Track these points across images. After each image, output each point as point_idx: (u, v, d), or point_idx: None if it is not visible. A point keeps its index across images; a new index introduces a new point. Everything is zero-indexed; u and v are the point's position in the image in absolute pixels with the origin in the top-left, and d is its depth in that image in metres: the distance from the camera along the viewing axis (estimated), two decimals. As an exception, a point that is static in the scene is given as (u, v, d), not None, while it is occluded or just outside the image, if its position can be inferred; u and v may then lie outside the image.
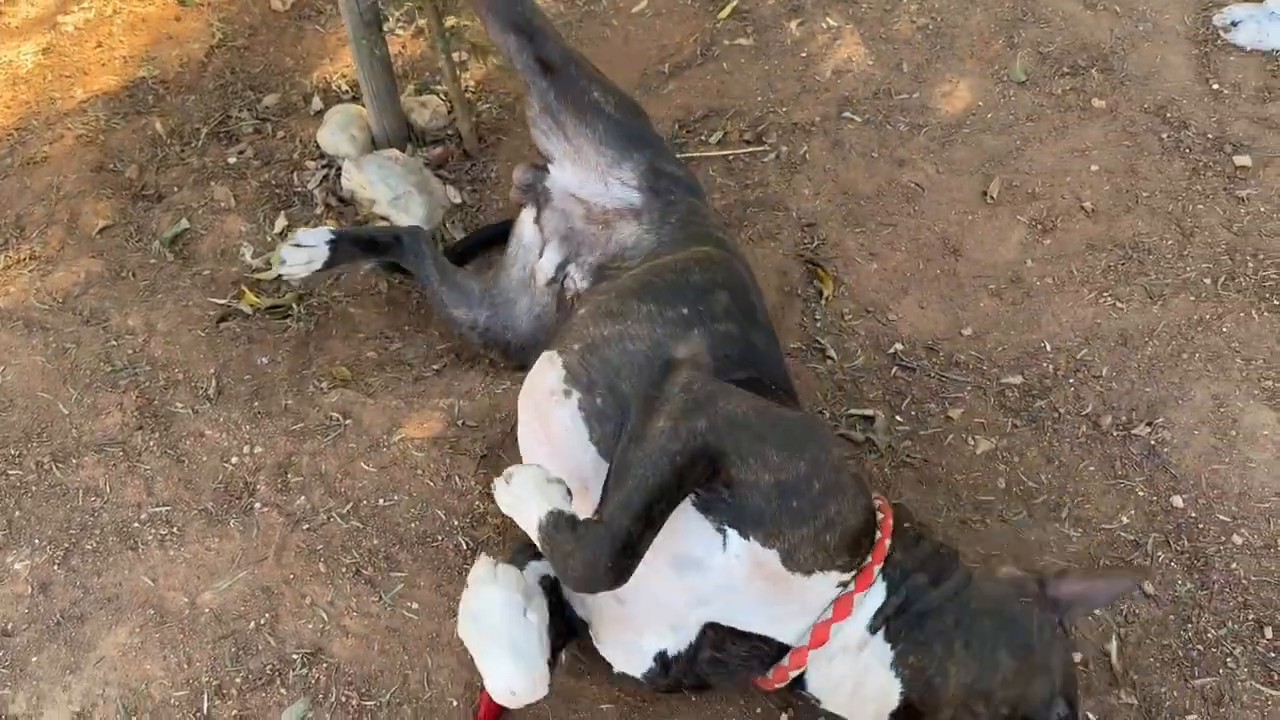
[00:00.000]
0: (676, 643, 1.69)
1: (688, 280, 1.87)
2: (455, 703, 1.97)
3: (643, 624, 1.71)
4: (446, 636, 2.07)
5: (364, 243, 2.47)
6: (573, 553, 1.52)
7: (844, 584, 1.62)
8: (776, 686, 1.71)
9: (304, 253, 2.43)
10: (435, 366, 2.55)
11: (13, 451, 2.35)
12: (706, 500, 1.60)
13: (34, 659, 2.07)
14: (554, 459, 1.80)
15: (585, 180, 2.22)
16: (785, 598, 1.61)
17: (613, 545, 1.50)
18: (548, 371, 1.87)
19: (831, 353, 2.37)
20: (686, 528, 1.60)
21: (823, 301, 2.51)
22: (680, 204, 2.15)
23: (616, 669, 1.79)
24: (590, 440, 1.77)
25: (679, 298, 1.84)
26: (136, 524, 2.25)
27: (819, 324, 2.45)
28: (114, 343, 2.56)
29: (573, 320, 1.95)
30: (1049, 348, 2.44)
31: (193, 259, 2.71)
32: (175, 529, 2.23)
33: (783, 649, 1.66)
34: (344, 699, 2.01)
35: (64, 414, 2.41)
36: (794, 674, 1.66)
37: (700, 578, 1.62)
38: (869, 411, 2.27)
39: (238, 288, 2.66)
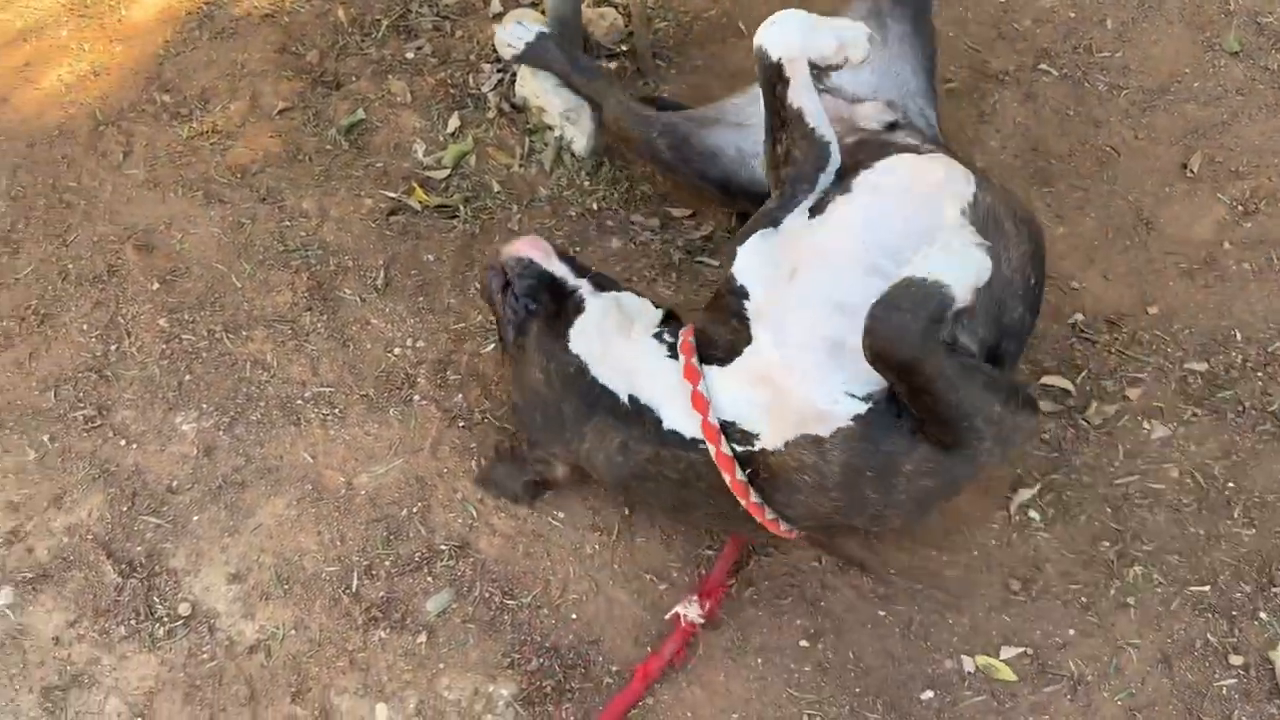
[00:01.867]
0: None
1: (1041, 247, 1.98)
2: (576, 616, 2.02)
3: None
4: (589, 548, 2.11)
5: (566, 56, 2.64)
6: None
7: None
8: None
9: (517, 32, 2.66)
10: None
11: (187, 317, 2.45)
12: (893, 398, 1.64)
13: (195, 518, 2.18)
14: (886, 239, 1.76)
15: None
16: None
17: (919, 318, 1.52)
18: (961, 182, 1.84)
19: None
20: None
21: (1002, 261, 2.43)
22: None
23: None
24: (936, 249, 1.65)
25: (1037, 261, 1.94)
26: (300, 401, 2.33)
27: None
28: (288, 223, 2.63)
29: (980, 180, 1.90)
30: (1239, 337, 2.34)
31: (366, 150, 2.76)
32: (337, 410, 2.30)
33: None
34: (487, 595, 2.07)
35: (237, 287, 2.49)
36: None
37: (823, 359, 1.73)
38: (1065, 384, 2.21)
39: (408, 183, 2.70)
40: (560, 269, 2.00)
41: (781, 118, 1.87)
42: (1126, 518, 2.11)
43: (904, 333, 1.48)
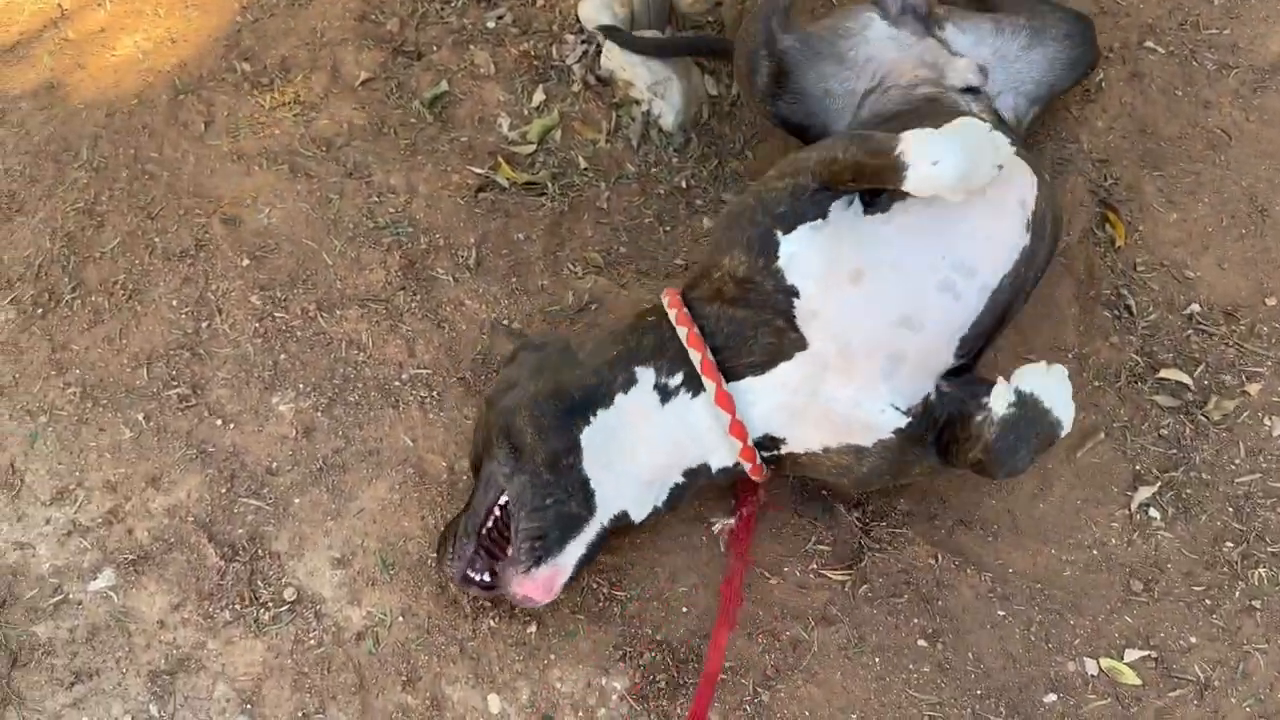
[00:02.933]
0: None
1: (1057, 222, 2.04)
2: (686, 610, 2.00)
3: None
4: (696, 540, 2.09)
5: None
6: None
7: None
8: None
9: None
10: (679, 262, 2.52)
11: (279, 295, 2.43)
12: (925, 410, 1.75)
13: (297, 500, 2.17)
14: (958, 250, 1.75)
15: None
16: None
17: None
18: (1027, 186, 1.85)
19: (1131, 302, 2.25)
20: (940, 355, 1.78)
21: (1115, 249, 2.38)
22: None
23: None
24: (1001, 271, 1.80)
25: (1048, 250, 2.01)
26: (398, 383, 2.31)
27: (1113, 272, 2.33)
28: (376, 199, 2.60)
29: (1039, 180, 1.92)
30: (1361, 329, 2.28)
31: (451, 123, 2.72)
32: (435, 393, 2.29)
33: None
34: (595, 585, 2.05)
35: (328, 264, 2.47)
36: None
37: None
38: (1183, 378, 2.16)
39: (495, 159, 2.66)
40: (573, 560, 1.88)
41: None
42: (1249, 517, 2.08)
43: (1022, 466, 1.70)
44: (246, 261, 2.50)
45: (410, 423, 2.26)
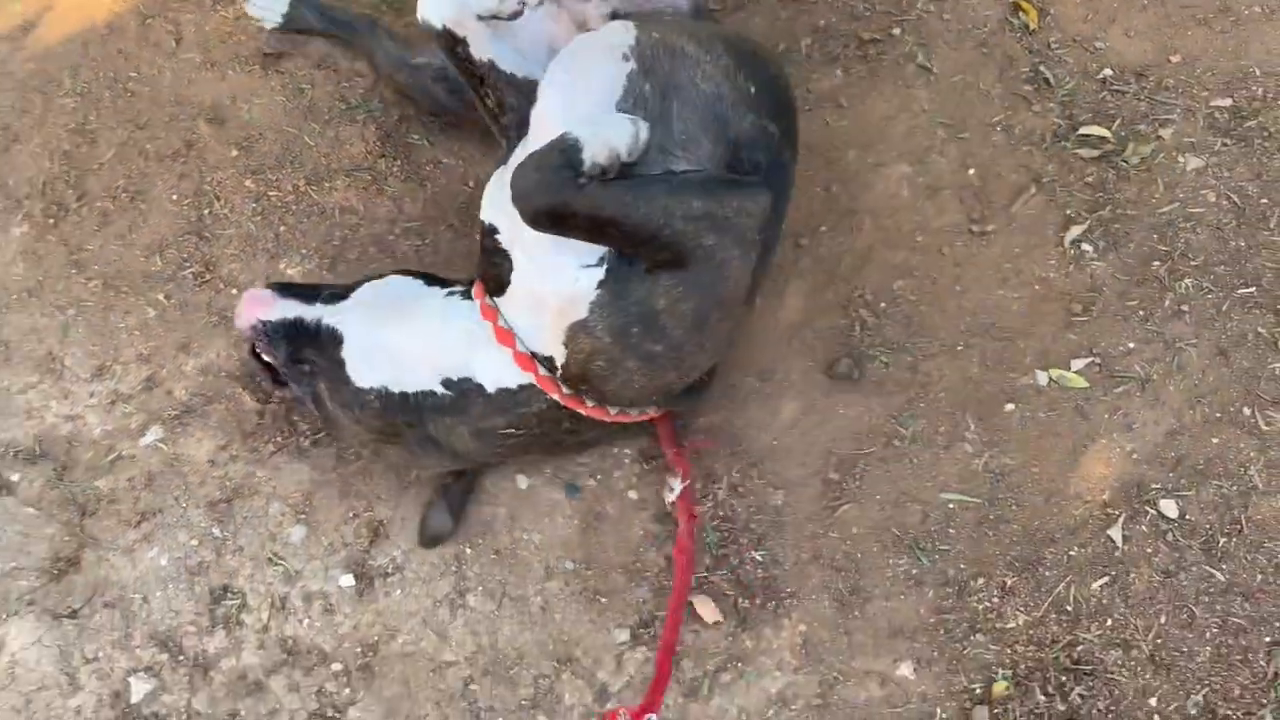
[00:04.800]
0: (504, 236, 1.93)
1: (754, 55, 1.92)
2: None
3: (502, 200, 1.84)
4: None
5: (324, 18, 2.64)
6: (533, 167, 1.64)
7: (543, 360, 1.89)
8: None
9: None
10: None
11: (270, 176, 2.65)
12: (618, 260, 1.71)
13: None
14: (570, 103, 1.78)
15: None
16: (535, 314, 1.86)
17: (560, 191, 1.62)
18: (619, 33, 1.83)
19: (1049, 75, 2.50)
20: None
21: (1029, 33, 2.62)
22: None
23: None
24: (613, 106, 1.76)
25: (747, 69, 1.84)
26: (391, 236, 2.54)
27: (1030, 53, 2.57)
28: (345, 84, 2.81)
29: (651, 18, 1.94)
30: (1259, 73, 2.54)
31: (406, 9, 2.90)
32: (427, 240, 2.52)
33: None
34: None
35: (310, 145, 2.69)
36: None
37: (549, 248, 1.76)
38: (1103, 131, 2.41)
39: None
40: (289, 309, 1.92)
41: (477, 75, 1.91)
42: (1173, 239, 2.33)
43: (537, 185, 1.60)
44: (235, 152, 2.71)
45: (407, 266, 2.48)
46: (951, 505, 2.05)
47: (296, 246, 2.55)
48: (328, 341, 1.92)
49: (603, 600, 2.03)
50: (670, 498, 2.04)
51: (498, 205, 1.85)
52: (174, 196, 2.65)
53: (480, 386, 1.86)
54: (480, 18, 1.82)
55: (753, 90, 1.83)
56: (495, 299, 1.86)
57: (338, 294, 1.97)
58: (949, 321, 2.25)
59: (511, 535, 2.10)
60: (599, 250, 1.70)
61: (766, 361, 2.24)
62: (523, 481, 2.16)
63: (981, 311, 2.26)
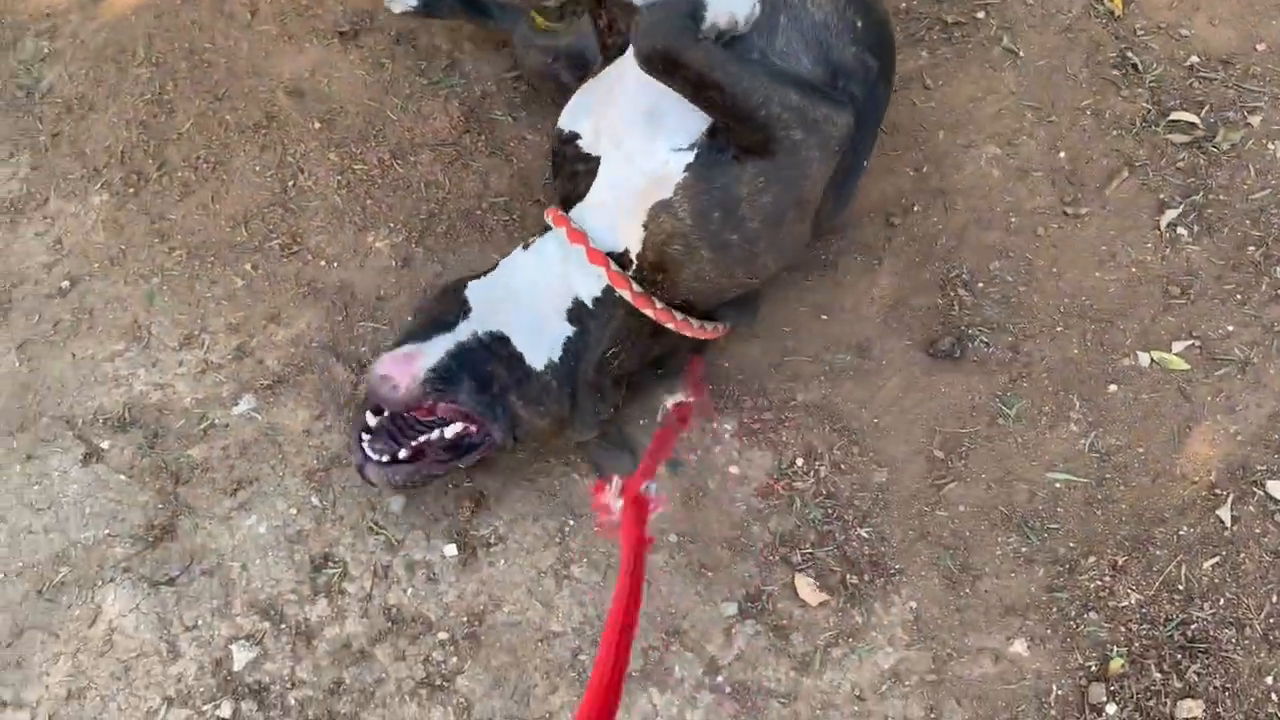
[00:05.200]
0: (586, 141, 2.00)
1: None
2: (777, 366, 2.24)
3: (590, 108, 1.97)
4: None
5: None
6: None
7: (618, 258, 1.94)
8: None
9: None
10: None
11: (354, 149, 2.64)
12: (713, 136, 1.78)
13: (409, 318, 2.38)
14: None
15: None
16: (623, 204, 1.90)
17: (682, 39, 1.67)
18: None
19: (1136, 61, 2.50)
20: (694, 111, 1.79)
21: (1115, 19, 2.63)
22: None
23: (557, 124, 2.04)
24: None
25: (857, 5, 1.92)
26: (479, 211, 2.53)
27: (1116, 39, 2.57)
28: (424, 60, 2.81)
29: None
30: (1346, 61, 2.53)
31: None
32: (515, 216, 2.52)
33: None
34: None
35: (393, 119, 2.68)
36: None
37: (640, 130, 1.85)
38: (1191, 118, 2.42)
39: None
40: (441, 345, 1.91)
41: None
42: (1266, 225, 2.34)
43: (659, 25, 1.65)
44: (317, 125, 2.70)
45: (498, 242, 2.48)
46: (1058, 484, 2.06)
47: (384, 220, 2.54)
48: (497, 345, 1.91)
49: (709, 574, 2.02)
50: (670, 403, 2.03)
51: (584, 111, 1.95)
52: (256, 168, 2.64)
53: (583, 303, 1.92)
54: None
55: (859, 25, 1.91)
56: (571, 212, 1.93)
57: (453, 312, 1.97)
58: (1047, 302, 2.25)
59: (612, 510, 2.09)
60: (690, 134, 1.78)
61: (862, 338, 2.24)
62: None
63: (1079, 293, 2.26)
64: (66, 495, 2.22)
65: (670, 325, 1.91)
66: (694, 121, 1.79)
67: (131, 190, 2.64)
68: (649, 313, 1.89)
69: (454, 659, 1.98)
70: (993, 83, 2.61)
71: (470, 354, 1.87)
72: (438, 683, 1.96)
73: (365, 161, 2.64)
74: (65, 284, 2.52)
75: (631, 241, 1.87)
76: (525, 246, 2.02)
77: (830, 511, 2.07)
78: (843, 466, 2.11)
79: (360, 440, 1.91)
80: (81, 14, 2.97)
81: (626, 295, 1.88)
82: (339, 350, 2.35)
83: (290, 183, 2.62)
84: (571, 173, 1.96)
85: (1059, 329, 2.22)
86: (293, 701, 1.96)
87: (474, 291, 2.00)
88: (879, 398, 2.18)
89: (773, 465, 2.12)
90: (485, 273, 2.06)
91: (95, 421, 2.32)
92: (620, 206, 1.86)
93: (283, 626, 2.04)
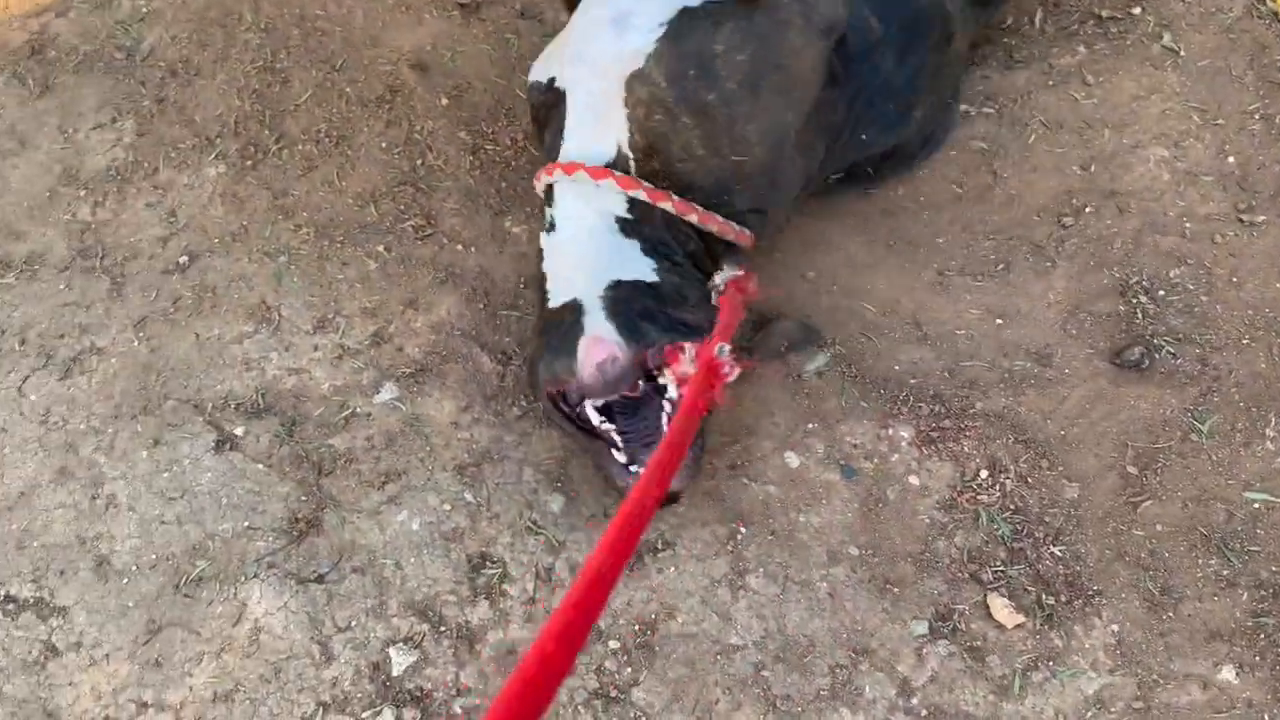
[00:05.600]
0: (559, 80, 2.01)
1: None
2: (954, 370, 2.14)
3: (557, 50, 2.02)
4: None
5: None
6: None
7: (619, 160, 1.92)
8: None
9: None
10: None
11: (485, 128, 2.52)
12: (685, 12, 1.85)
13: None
14: None
15: None
16: (600, 110, 1.91)
17: None
18: None
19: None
20: None
21: (1278, 20, 2.53)
22: None
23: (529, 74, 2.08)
24: None
25: None
26: (622, 196, 2.40)
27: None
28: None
29: None
30: None
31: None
32: (661, 202, 2.38)
33: None
34: (851, 364, 2.18)
35: (523, 99, 2.55)
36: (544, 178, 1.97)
37: (608, 38, 1.89)
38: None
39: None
40: (595, 322, 1.85)
41: None
42: None
43: None
44: (445, 101, 2.57)
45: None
46: (1257, 505, 1.97)
47: (521, 203, 2.43)
48: (620, 289, 1.85)
49: (894, 590, 1.93)
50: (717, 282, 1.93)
51: (552, 57, 2.02)
52: (382, 144, 2.52)
53: (624, 219, 1.87)
54: None
55: None
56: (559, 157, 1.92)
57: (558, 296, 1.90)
58: (1231, 313, 2.17)
59: (787, 516, 1.99)
60: (661, 17, 1.81)
61: (1042, 344, 2.14)
62: (793, 459, 2.06)
63: (1263, 304, 2.18)
64: (200, 484, 2.10)
65: (693, 218, 1.87)
66: (662, 11, 1.81)
67: (249, 163, 2.51)
68: (668, 206, 1.84)
69: (628, 670, 1.88)
70: (1155, 81, 2.51)
71: (616, 307, 1.81)
72: (612, 694, 1.85)
73: (497, 142, 2.52)
74: (183, 259, 2.39)
75: (620, 134, 1.84)
76: (549, 229, 1.94)
77: (1020, 528, 1.97)
78: (1030, 480, 2.02)
79: (619, 452, 1.83)
80: (181, -27, 2.83)
81: (642, 195, 1.83)
82: (482, 339, 2.24)
83: (419, 161, 2.50)
84: (549, 116, 1.96)
85: (1245, 341, 2.13)
86: (458, 710, 1.85)
87: (556, 273, 1.91)
88: (1064, 408, 2.08)
89: (955, 477, 2.02)
90: (541, 262, 1.96)
91: (226, 406, 2.19)
92: (597, 107, 1.85)
93: (443, 629, 1.93)
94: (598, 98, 1.86)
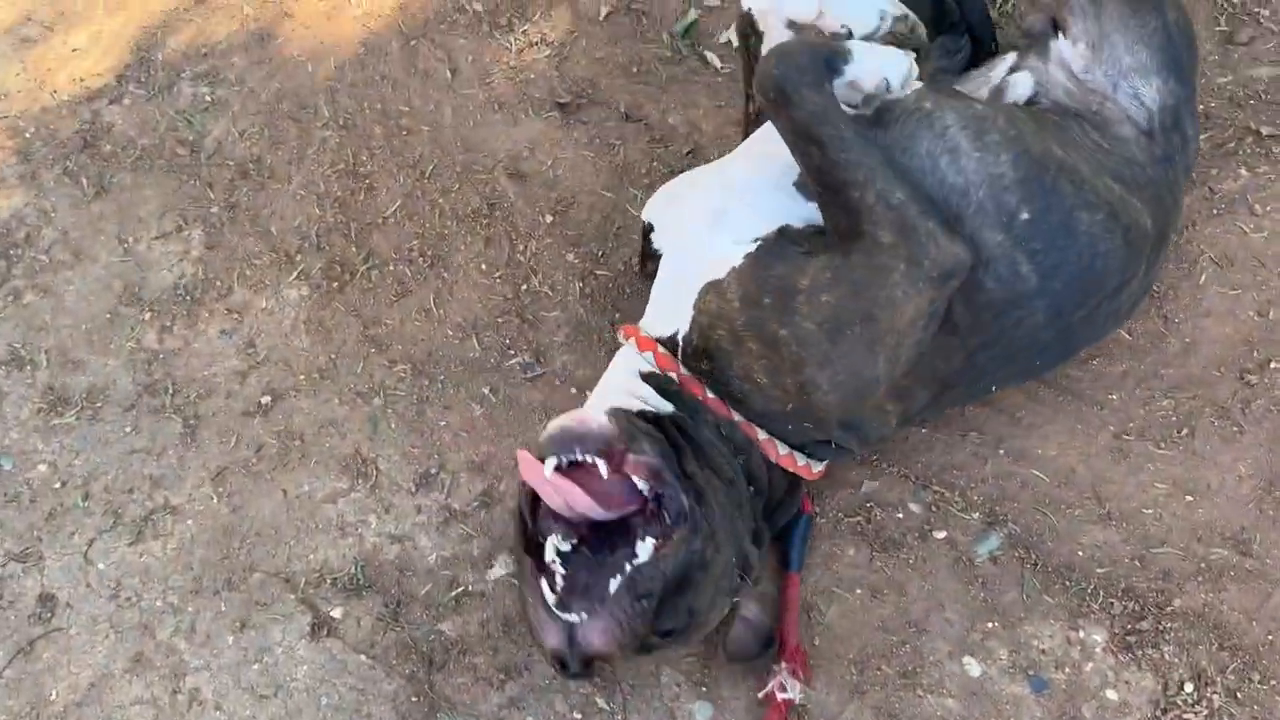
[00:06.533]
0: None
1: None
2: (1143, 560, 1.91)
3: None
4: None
5: None
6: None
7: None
8: None
9: None
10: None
11: (594, 249, 2.28)
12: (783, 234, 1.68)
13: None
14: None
15: (1091, 69, 1.98)
16: (677, 291, 1.78)
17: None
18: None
19: None
20: (770, 205, 1.72)
21: None
22: (1170, 167, 1.96)
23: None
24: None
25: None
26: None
27: None
28: (659, 142, 2.43)
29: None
30: None
31: (705, 48, 2.54)
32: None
33: None
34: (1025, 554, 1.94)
35: (634, 214, 2.31)
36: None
37: (705, 228, 1.75)
38: None
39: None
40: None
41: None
42: None
43: (789, 57, 1.58)
44: (549, 219, 2.33)
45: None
46: None
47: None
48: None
49: (1100, 829, 1.68)
50: (780, 694, 1.74)
51: (663, 202, 1.91)
52: (482, 266, 2.27)
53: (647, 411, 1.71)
54: (791, 20, 1.84)
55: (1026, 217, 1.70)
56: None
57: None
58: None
59: (973, 736, 1.74)
60: (759, 230, 1.69)
61: (1237, 527, 1.91)
62: (973, 666, 1.82)
63: None
64: (296, 680, 1.84)
65: (733, 419, 1.69)
66: (762, 224, 1.69)
67: (335, 284, 2.26)
68: (697, 394, 1.68)
69: None
70: (1329, 212, 2.28)
71: (614, 413, 1.62)
72: None
73: (609, 266, 2.27)
74: (265, 399, 2.13)
75: (681, 324, 1.73)
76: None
77: (1234, 752, 1.73)
78: (1239, 696, 1.78)
79: (549, 591, 1.50)
80: (246, 56, 2.58)
81: (674, 376, 1.70)
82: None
83: (522, 286, 2.25)
84: (647, 270, 1.90)
85: None
86: None
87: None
88: (1269, 607, 1.84)
89: (1156, 690, 1.78)
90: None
91: (321, 581, 1.94)
92: (673, 292, 1.75)
93: None
94: (677, 280, 1.77)
